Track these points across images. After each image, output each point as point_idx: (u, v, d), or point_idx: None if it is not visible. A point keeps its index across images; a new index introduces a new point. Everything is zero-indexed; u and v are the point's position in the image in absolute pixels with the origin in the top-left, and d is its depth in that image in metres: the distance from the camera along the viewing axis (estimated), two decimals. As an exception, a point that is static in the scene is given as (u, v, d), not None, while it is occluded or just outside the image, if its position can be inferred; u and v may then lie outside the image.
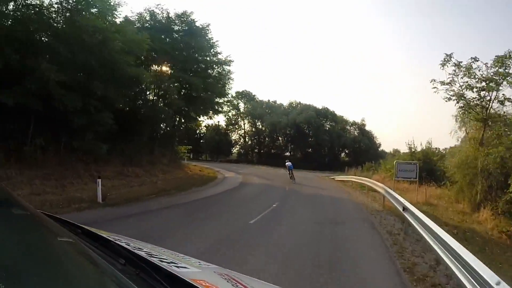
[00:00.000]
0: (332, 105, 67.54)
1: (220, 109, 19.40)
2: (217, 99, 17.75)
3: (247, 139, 41.24)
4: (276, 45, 74.70)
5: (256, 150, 41.23)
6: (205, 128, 41.02)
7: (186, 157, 22.83)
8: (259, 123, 41.49)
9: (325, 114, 40.81)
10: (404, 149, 17.99)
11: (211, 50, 16.49)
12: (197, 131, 39.49)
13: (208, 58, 16.66)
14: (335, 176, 19.02)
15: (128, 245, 0.92)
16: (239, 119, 42.33)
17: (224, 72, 17.35)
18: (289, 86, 70.75)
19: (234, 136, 41.92)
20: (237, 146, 41.90)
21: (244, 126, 42.54)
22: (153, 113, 13.00)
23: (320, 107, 40.83)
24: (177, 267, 0.85)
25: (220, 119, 40.92)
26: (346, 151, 40.96)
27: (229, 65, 17.22)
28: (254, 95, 42.69)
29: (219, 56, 17.10)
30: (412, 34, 62.23)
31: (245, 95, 42.46)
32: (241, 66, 75.97)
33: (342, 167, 28.05)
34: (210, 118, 21.96)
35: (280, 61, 73.47)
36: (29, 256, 0.60)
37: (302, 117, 37.55)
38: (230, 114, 41.88)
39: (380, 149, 40.70)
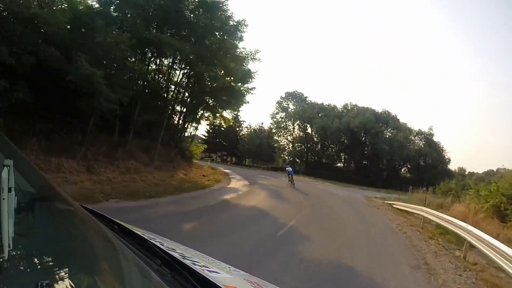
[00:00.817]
0: (393, 110, 56.77)
1: (242, 99, 17.21)
2: (238, 85, 15.97)
3: (296, 145, 38.94)
4: (331, 44, 67.62)
5: (304, 158, 38.30)
6: (246, 129, 39.92)
7: (204, 158, 23.52)
8: (309, 127, 38.92)
9: (385, 119, 35.22)
10: (472, 167, 10.94)
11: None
12: (239, 132, 38.86)
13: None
14: (393, 201, 13.54)
15: (162, 245, 0.94)
16: (287, 122, 40.20)
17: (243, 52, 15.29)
18: (344, 89, 62.84)
19: (283, 141, 40.27)
20: (284, 152, 40.15)
21: (294, 131, 40.33)
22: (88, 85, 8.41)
23: (380, 111, 35.73)
24: (210, 271, 0.87)
25: (264, 121, 37.84)
26: (409, 166, 35.08)
27: (242, 31, 14.05)
28: (305, 97, 40.36)
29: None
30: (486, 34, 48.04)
31: (295, 96, 40.45)
32: (291, 66, 71.41)
33: (402, 185, 24.07)
34: (234, 110, 21.17)
35: (335, 62, 66.27)
36: (73, 250, 0.67)
37: (358, 121, 32.65)
38: (277, 116, 40.37)
39: (448, 165, 34.21)
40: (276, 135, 38.65)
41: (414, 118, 73.82)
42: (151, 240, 0.92)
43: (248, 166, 32.69)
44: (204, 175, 14.17)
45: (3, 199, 0.49)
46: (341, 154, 36.08)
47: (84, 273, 0.62)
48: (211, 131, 41.93)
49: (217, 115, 20.40)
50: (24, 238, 0.59)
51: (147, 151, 12.40)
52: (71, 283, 0.55)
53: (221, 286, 0.72)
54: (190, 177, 12.83)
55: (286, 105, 39.56)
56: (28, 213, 0.65)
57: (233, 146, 35.07)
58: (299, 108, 37.24)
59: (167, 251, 0.88)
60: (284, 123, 39.06)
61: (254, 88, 16.58)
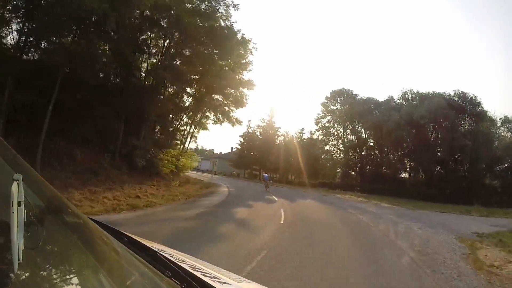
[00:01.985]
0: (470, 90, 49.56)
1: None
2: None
3: (348, 153, 33.62)
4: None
5: (357, 169, 32.62)
6: (282, 137, 37.94)
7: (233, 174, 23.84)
8: (361, 129, 32.93)
9: (461, 104, 25.72)
10: None
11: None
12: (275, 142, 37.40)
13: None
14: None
15: (172, 257, 0.99)
16: (336, 126, 35.88)
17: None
18: (396, 79, 56.55)
19: (332, 150, 36.11)
20: (332, 162, 35.17)
21: (345, 136, 35.39)
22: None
23: (452, 93, 26.66)
24: (220, 282, 0.90)
25: (307, 126, 35.40)
26: (497, 170, 25.09)
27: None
28: (355, 94, 34.94)
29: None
30: None
31: (342, 94, 35.33)
32: (338, 63, 67.89)
33: (491, 198, 19.15)
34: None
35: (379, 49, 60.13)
36: (80, 261, 0.70)
37: (423, 109, 24.26)
38: (324, 120, 36.56)
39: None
40: (323, 143, 35.20)
41: (492, 100, 59.51)
42: (160, 252, 0.95)
43: (299, 185, 31.02)
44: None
45: (13, 213, 0.51)
46: (405, 160, 28.56)
47: (95, 287, 0.64)
48: (244, 141, 40.53)
49: (219, 115, 20.83)
50: (34, 252, 0.61)
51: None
52: None
53: None
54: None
55: (334, 107, 35.63)
56: (37, 226, 0.67)
57: (273, 159, 33.89)
58: (347, 107, 32.91)
59: (177, 262, 0.91)
60: (332, 127, 35.26)
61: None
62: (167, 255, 0.95)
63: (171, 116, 18.30)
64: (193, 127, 20.27)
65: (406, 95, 29.64)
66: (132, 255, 0.87)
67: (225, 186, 18.58)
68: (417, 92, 28.83)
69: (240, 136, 40.89)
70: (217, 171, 52.50)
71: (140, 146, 13.89)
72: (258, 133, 39.04)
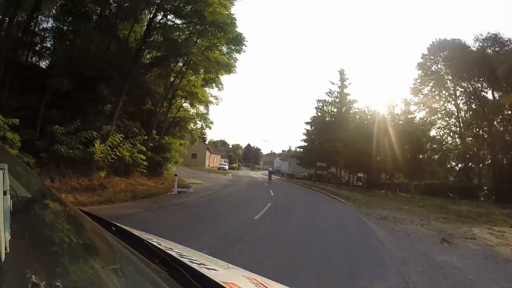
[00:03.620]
0: None
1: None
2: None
3: (467, 138, 24.34)
4: None
5: (486, 161, 23.50)
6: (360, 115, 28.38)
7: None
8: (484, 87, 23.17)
9: None
10: None
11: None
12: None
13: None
14: None
15: (160, 245, 1.06)
16: (440, 94, 25.69)
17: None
18: None
19: (435, 131, 25.79)
20: (440, 153, 25.55)
21: (459, 109, 24.78)
22: None
23: None
24: (207, 268, 0.96)
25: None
26: None
27: None
28: (464, 43, 24.06)
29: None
30: None
31: (445, 46, 24.75)
32: None
33: None
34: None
35: None
36: (68, 250, 0.72)
37: None
38: (426, 89, 26.36)
39: None
40: (428, 124, 25.08)
41: None
42: (148, 241, 1.02)
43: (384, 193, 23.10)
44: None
45: None
46: None
47: (82, 274, 0.69)
48: (312, 130, 34.32)
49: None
50: (21, 241, 0.64)
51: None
52: (69, 284, 0.61)
53: (218, 282, 0.79)
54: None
55: (436, 67, 25.86)
56: (24, 216, 0.71)
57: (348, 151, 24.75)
58: (456, 63, 23.44)
59: (165, 250, 0.98)
60: (438, 97, 25.79)
61: None
62: (154, 243, 1.03)
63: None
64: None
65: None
66: (120, 243, 0.93)
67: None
68: None
69: (306, 123, 34.83)
70: (285, 171, 52.23)
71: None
72: (326, 114, 32.99)
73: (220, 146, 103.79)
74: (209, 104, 23.70)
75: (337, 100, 32.32)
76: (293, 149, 39.45)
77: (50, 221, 0.81)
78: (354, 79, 65.81)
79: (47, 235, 0.74)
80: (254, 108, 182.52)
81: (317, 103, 33.08)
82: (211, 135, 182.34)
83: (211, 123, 31.14)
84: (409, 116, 24.91)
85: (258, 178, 33.24)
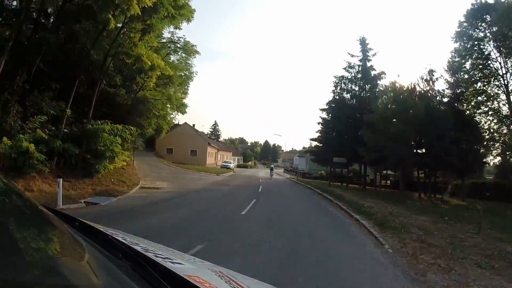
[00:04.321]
0: None
1: None
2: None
3: None
4: None
5: None
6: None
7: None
8: None
9: None
10: None
11: None
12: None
13: None
14: None
15: (125, 240, 1.08)
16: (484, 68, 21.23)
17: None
18: None
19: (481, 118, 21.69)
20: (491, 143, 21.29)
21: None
22: None
23: None
24: (172, 262, 0.98)
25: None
26: None
27: None
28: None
29: None
30: None
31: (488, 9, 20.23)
32: None
33: None
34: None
35: None
36: (28, 246, 0.73)
37: None
38: (467, 64, 21.66)
39: None
40: (474, 105, 21.56)
41: None
42: (113, 236, 1.06)
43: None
44: None
45: None
46: None
47: (44, 270, 0.70)
48: (329, 118, 26.94)
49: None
50: None
51: None
52: (32, 280, 0.62)
53: (181, 275, 0.79)
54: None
55: (477, 35, 20.97)
56: None
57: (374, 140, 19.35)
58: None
59: (129, 245, 0.99)
60: (480, 74, 21.20)
61: None
62: (119, 238, 1.06)
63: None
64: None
65: None
66: (83, 238, 0.97)
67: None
68: None
69: (322, 109, 27.23)
70: (303, 169, 45.67)
71: None
72: (346, 94, 25.80)
73: (237, 144, 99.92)
74: (171, 77, 18.28)
75: (358, 76, 24.92)
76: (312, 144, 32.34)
77: (13, 218, 0.82)
78: (379, 50, 51.97)
79: (7, 230, 0.74)
80: (274, 104, 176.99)
81: (334, 83, 25.76)
82: (230, 132, 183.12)
83: (182, 105, 25.81)
84: (458, 91, 19.56)
85: (259, 179, 28.98)
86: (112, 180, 13.39)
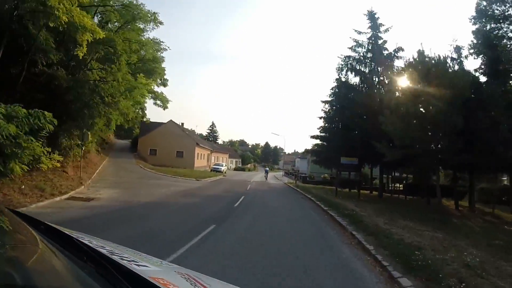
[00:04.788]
0: None
1: None
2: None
3: None
4: None
5: None
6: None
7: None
8: None
9: None
10: None
11: None
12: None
13: None
14: None
15: (91, 243, 1.08)
16: None
17: None
18: None
19: None
20: None
21: None
22: None
23: None
24: (138, 265, 0.97)
25: None
26: None
27: None
28: None
29: None
30: None
31: None
32: None
33: None
34: None
35: None
36: None
37: None
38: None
39: None
40: None
41: None
42: (78, 239, 1.05)
43: None
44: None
45: None
46: None
47: (6, 273, 0.70)
48: (331, 110, 23.24)
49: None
50: None
51: None
52: None
53: (146, 278, 0.79)
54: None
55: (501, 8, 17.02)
56: None
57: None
58: None
59: (95, 248, 0.99)
60: None
61: None
62: (85, 242, 1.05)
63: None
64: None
65: None
66: (48, 241, 0.97)
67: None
68: None
69: (324, 102, 23.49)
70: (304, 172, 40.98)
71: None
72: (354, 77, 21.58)
73: (238, 146, 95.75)
74: (116, 49, 13.98)
75: (368, 55, 20.45)
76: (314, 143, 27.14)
77: None
78: (391, 25, 43.20)
79: None
80: (275, 105, 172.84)
81: (338, 67, 20.98)
82: (230, 134, 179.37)
83: (158, 97, 21.70)
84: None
85: (248, 185, 23.85)
86: (23, 186, 10.10)
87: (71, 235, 1.04)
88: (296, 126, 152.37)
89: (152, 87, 27.45)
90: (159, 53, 27.63)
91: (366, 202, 16.03)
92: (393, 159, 15.38)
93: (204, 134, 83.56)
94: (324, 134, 23.37)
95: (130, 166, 26.14)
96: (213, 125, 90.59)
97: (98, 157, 24.56)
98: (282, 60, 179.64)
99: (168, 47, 29.76)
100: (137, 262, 0.97)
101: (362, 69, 20.94)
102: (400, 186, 24.45)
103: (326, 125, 23.21)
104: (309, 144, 75.71)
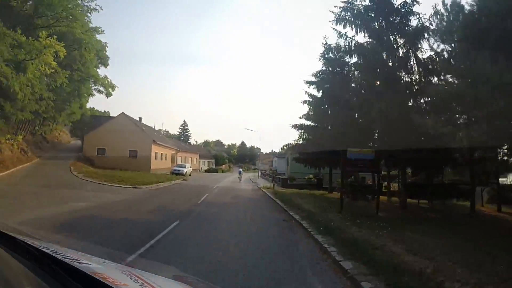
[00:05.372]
0: None
1: None
2: None
3: None
4: None
5: None
6: None
7: None
8: None
9: None
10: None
11: None
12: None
13: None
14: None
15: (34, 244, 1.14)
16: None
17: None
18: None
19: None
20: None
21: None
22: None
23: None
24: (79, 263, 1.01)
25: None
26: None
27: None
28: None
29: None
30: None
31: None
32: None
33: None
34: None
35: None
36: None
37: None
38: None
39: None
40: None
41: None
42: (23, 240, 1.12)
43: None
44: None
45: None
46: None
47: None
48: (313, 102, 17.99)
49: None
50: None
51: None
52: None
53: (88, 273, 0.83)
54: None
55: None
56: None
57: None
58: None
59: (39, 248, 1.06)
60: None
61: None
62: (29, 243, 1.10)
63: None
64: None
65: None
66: None
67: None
68: None
69: (308, 82, 17.86)
70: (283, 173, 36.42)
71: None
72: (356, 33, 13.95)
73: (213, 146, 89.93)
74: None
75: (373, 6, 13.20)
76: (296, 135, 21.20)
77: None
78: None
79: None
80: (252, 106, 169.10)
81: (332, 24, 13.61)
82: (206, 135, 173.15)
83: (99, 82, 16.91)
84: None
85: (205, 194, 16.33)
86: None
87: (14, 236, 1.15)
88: (272, 126, 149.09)
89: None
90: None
91: (408, 227, 8.13)
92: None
93: (177, 134, 77.09)
94: (310, 122, 18.10)
95: (58, 171, 20.03)
96: (184, 123, 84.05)
97: (21, 158, 21.05)
98: (258, 60, 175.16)
99: (101, 8, 24.62)
100: (79, 260, 1.02)
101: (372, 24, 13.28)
102: (394, 185, 18.52)
103: (313, 109, 17.86)
104: (289, 140, 66.03)
